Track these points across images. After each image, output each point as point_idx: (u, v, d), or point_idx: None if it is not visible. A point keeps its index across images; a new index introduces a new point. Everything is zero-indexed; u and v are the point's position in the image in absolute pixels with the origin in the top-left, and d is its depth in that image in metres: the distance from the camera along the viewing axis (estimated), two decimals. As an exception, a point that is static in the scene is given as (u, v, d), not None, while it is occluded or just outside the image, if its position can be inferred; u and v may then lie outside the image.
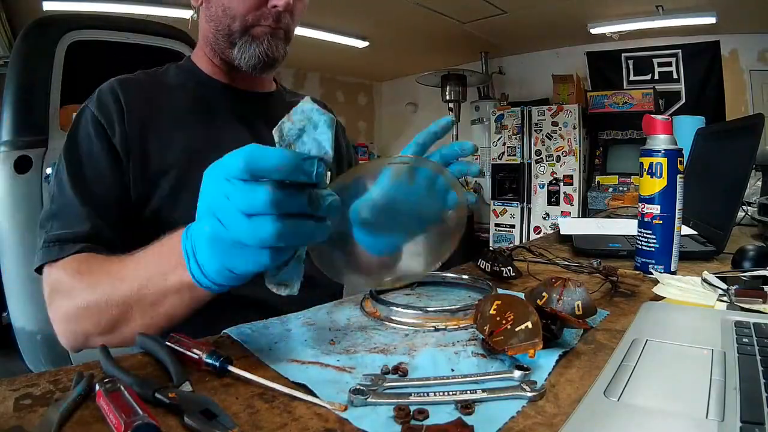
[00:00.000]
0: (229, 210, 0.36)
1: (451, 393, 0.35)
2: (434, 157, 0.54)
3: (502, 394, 0.35)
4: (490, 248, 0.71)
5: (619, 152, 4.04)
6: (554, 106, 3.95)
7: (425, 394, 0.34)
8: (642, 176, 0.71)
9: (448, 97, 4.19)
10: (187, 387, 0.35)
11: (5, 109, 1.16)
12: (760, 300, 0.54)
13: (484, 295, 0.55)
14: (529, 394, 0.34)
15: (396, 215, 0.54)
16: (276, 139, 0.39)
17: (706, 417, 0.30)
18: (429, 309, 0.51)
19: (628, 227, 0.98)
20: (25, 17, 2.38)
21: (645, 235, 0.71)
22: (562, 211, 3.93)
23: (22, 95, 1.17)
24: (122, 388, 0.32)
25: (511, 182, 4.17)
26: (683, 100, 3.90)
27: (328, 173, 0.39)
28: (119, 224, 0.62)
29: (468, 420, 0.31)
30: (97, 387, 0.33)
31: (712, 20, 3.30)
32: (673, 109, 3.86)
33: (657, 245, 0.70)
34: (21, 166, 1.13)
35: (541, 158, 4.00)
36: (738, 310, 0.53)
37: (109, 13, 2.68)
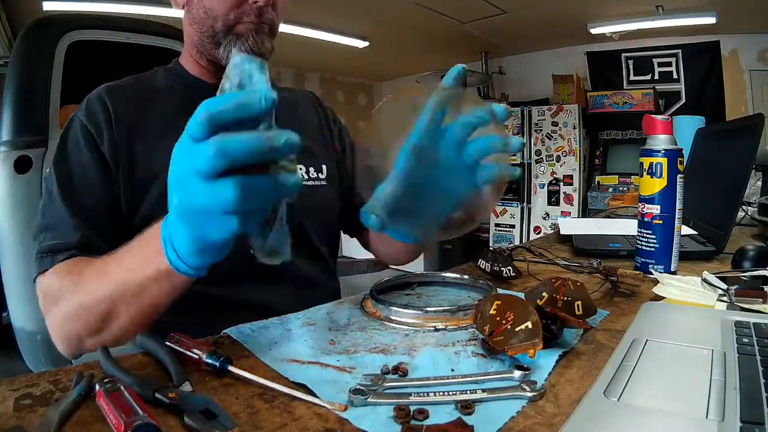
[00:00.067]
0: (188, 176, 0.35)
1: (451, 393, 0.35)
2: (452, 128, 0.47)
3: (502, 394, 0.35)
4: (490, 248, 0.71)
5: (619, 152, 4.04)
6: (554, 106, 3.95)
7: (425, 394, 0.34)
8: (642, 176, 0.71)
9: (448, 97, 4.18)
10: (187, 387, 0.35)
11: (5, 109, 1.16)
12: (760, 300, 0.54)
13: (484, 295, 0.55)
14: (529, 394, 0.34)
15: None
16: (219, 93, 0.40)
17: (706, 417, 0.30)
18: (429, 309, 0.51)
19: (628, 227, 0.98)
20: (25, 17, 2.38)
21: (645, 235, 0.71)
22: (562, 211, 3.93)
23: (22, 95, 1.17)
24: (122, 388, 0.32)
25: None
26: (683, 100, 3.90)
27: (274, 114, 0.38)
28: (110, 233, 0.63)
29: (468, 420, 0.31)
30: (97, 387, 0.33)
31: (712, 20, 3.30)
32: (673, 109, 3.86)
33: (657, 245, 0.70)
34: (21, 166, 1.13)
35: (541, 158, 4.00)
36: (738, 310, 0.53)
37: (109, 13, 2.68)
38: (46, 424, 0.31)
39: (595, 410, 0.32)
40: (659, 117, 0.70)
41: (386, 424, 0.32)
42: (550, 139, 3.95)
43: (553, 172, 3.97)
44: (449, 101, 0.46)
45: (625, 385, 0.35)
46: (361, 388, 0.35)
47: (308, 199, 0.71)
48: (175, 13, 0.75)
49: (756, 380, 0.34)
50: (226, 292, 0.65)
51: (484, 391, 0.35)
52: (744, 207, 1.16)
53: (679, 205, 0.68)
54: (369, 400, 0.34)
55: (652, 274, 0.69)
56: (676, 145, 0.69)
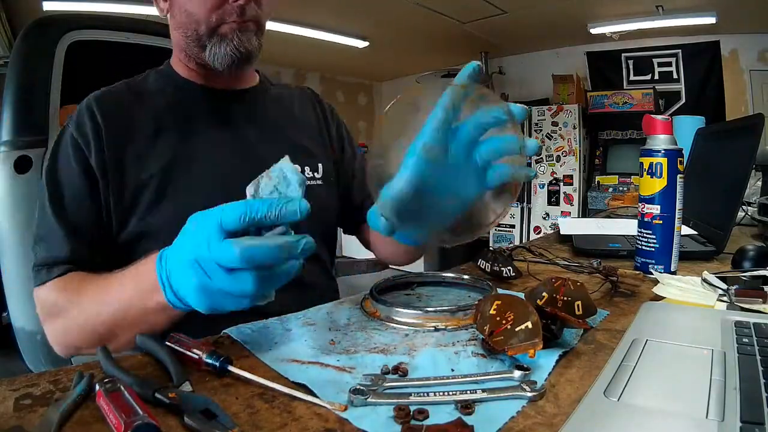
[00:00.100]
0: (213, 266, 0.40)
1: (451, 393, 0.35)
2: (465, 127, 0.45)
3: (502, 394, 0.35)
4: (490, 248, 0.71)
5: (619, 152, 4.04)
6: (554, 106, 3.95)
7: (425, 394, 0.34)
8: (642, 176, 0.71)
9: (448, 97, 4.18)
10: (187, 387, 0.35)
11: (5, 109, 1.16)
12: (760, 300, 0.54)
13: (484, 295, 0.55)
14: (529, 394, 0.34)
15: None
16: (250, 192, 0.44)
17: (706, 417, 0.30)
18: (429, 309, 0.51)
19: (628, 227, 0.98)
20: (25, 17, 2.38)
21: (645, 235, 0.71)
22: (562, 211, 3.93)
23: (22, 95, 1.17)
24: (122, 388, 0.32)
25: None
26: (683, 100, 3.90)
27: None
28: (100, 246, 0.64)
29: (468, 420, 0.31)
30: (97, 387, 0.33)
31: (712, 20, 3.30)
32: (673, 109, 3.86)
33: (657, 245, 0.70)
34: (21, 166, 1.13)
35: (541, 158, 4.00)
36: (738, 310, 0.53)
37: (109, 13, 2.68)
38: (46, 424, 0.31)
39: (595, 410, 0.32)
40: (659, 117, 0.70)
41: (386, 424, 0.32)
42: (550, 139, 3.95)
43: (553, 172, 3.97)
44: (464, 99, 0.45)
45: (625, 385, 0.35)
46: (361, 388, 0.35)
47: None
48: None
49: (756, 380, 0.34)
50: None
51: (484, 391, 0.35)
52: (744, 207, 1.16)
53: (679, 205, 0.68)
54: (369, 400, 0.34)
55: (652, 274, 0.69)
56: (676, 145, 0.69)
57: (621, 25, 3.59)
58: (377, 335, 0.47)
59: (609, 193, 3.90)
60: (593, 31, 3.72)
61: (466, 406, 0.33)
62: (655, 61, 3.96)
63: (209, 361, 0.38)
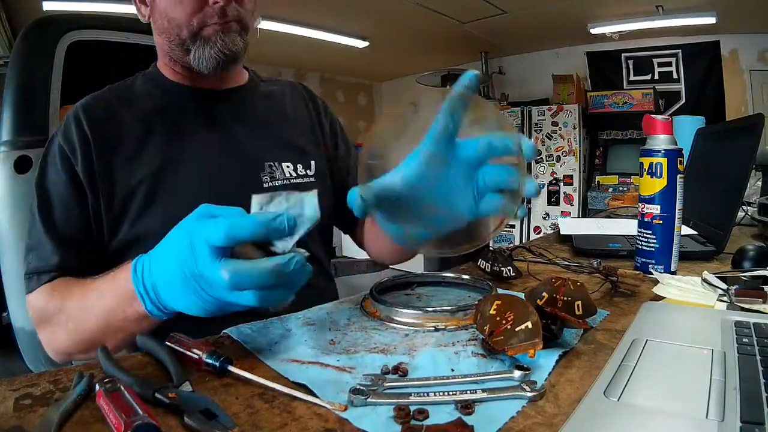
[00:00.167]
0: (206, 283, 0.40)
1: (451, 393, 0.35)
2: (474, 145, 0.46)
3: (502, 394, 0.35)
4: (490, 248, 0.71)
5: (619, 152, 4.04)
6: (554, 106, 3.95)
7: (425, 394, 0.34)
8: (642, 176, 0.71)
9: (448, 97, 4.18)
10: (187, 387, 0.35)
11: (5, 109, 1.16)
12: (760, 300, 0.54)
13: (484, 295, 0.55)
14: (529, 394, 0.34)
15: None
16: (258, 200, 0.44)
17: (706, 417, 0.30)
18: (429, 309, 0.51)
19: (628, 227, 0.98)
20: (25, 17, 2.38)
21: (645, 235, 0.71)
22: (562, 211, 3.93)
23: (22, 95, 1.17)
24: (122, 388, 0.32)
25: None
26: (683, 100, 3.90)
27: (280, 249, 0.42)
28: (89, 253, 0.65)
29: (468, 420, 0.31)
30: (97, 387, 0.33)
31: (712, 20, 3.30)
32: (673, 109, 3.86)
33: (657, 245, 0.70)
34: (21, 166, 1.13)
35: (541, 158, 4.00)
36: (738, 310, 0.53)
37: (109, 13, 2.68)
38: (46, 424, 0.31)
39: (595, 410, 0.32)
40: (659, 117, 0.70)
41: (386, 424, 0.32)
42: (550, 139, 3.95)
43: (553, 172, 3.97)
44: (464, 108, 0.45)
45: (625, 385, 0.35)
46: (361, 388, 0.35)
47: None
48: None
49: (756, 380, 0.34)
50: None
51: (484, 391, 0.35)
52: (744, 207, 1.16)
53: (679, 205, 0.68)
54: (369, 400, 0.34)
55: (652, 274, 0.69)
56: (676, 145, 0.69)
57: (621, 25, 3.59)
58: (377, 335, 0.47)
59: (609, 193, 3.90)
60: (593, 31, 3.72)
61: (466, 406, 0.33)
62: (655, 61, 3.96)
63: (209, 361, 0.38)
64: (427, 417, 0.32)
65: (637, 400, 0.33)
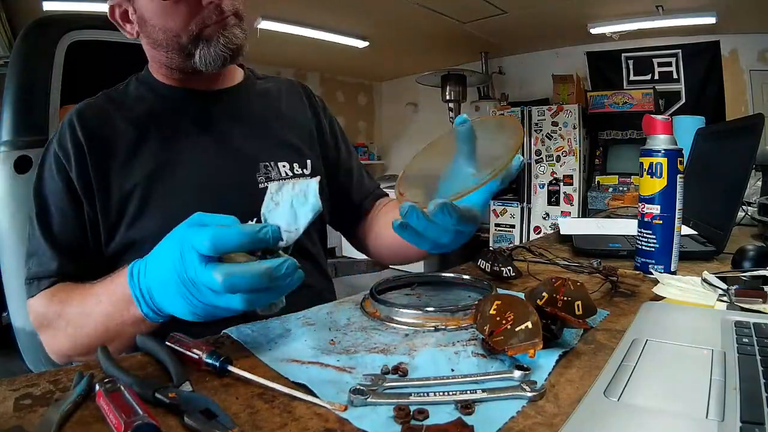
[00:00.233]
0: (199, 288, 0.41)
1: (451, 393, 0.35)
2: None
3: (502, 394, 0.35)
4: (490, 248, 0.71)
5: (619, 152, 4.04)
6: (554, 106, 3.95)
7: (425, 394, 0.34)
8: (642, 176, 0.71)
9: (448, 97, 4.18)
10: (187, 387, 0.35)
11: (5, 109, 1.16)
12: (760, 300, 0.54)
13: (484, 295, 0.55)
14: (529, 394, 0.34)
15: None
16: (272, 189, 0.46)
17: (706, 417, 0.30)
18: (429, 309, 0.51)
19: (628, 227, 0.98)
20: (25, 17, 2.38)
21: (645, 235, 0.71)
22: (562, 211, 3.93)
23: (22, 95, 1.17)
24: (122, 388, 0.32)
25: (511, 182, 4.16)
26: (683, 100, 3.90)
27: (284, 242, 0.45)
28: (87, 258, 0.65)
29: (468, 420, 0.31)
30: (97, 387, 0.33)
31: (712, 20, 3.30)
32: (673, 109, 3.86)
33: (657, 245, 0.70)
34: (21, 166, 1.13)
35: (541, 158, 4.00)
36: (738, 310, 0.53)
37: (109, 13, 2.67)
38: (46, 424, 0.31)
39: (595, 410, 0.32)
40: (659, 117, 0.70)
41: (386, 424, 0.32)
42: (550, 139, 3.95)
43: (553, 172, 3.97)
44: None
45: (625, 385, 0.35)
46: (361, 388, 0.35)
47: None
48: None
49: (756, 380, 0.34)
50: None
51: (484, 391, 0.35)
52: (744, 207, 1.16)
53: (679, 205, 0.68)
54: (369, 400, 0.34)
55: (652, 274, 0.69)
56: (676, 145, 0.69)
57: (621, 25, 3.58)
58: (377, 335, 0.47)
59: (609, 193, 3.89)
60: (593, 31, 3.72)
61: (466, 406, 0.33)
62: (655, 61, 3.95)
63: (209, 361, 0.38)
64: (427, 417, 0.32)
65: (637, 400, 0.33)
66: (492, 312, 0.43)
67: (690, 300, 0.58)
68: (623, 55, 4.06)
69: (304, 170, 0.76)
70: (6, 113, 1.17)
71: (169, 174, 0.66)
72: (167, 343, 0.41)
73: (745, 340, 0.41)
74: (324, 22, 3.61)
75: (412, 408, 0.33)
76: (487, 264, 0.68)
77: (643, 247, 0.71)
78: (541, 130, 3.98)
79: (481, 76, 4.39)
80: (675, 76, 3.91)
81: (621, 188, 3.88)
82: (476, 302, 0.47)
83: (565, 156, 3.91)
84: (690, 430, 0.30)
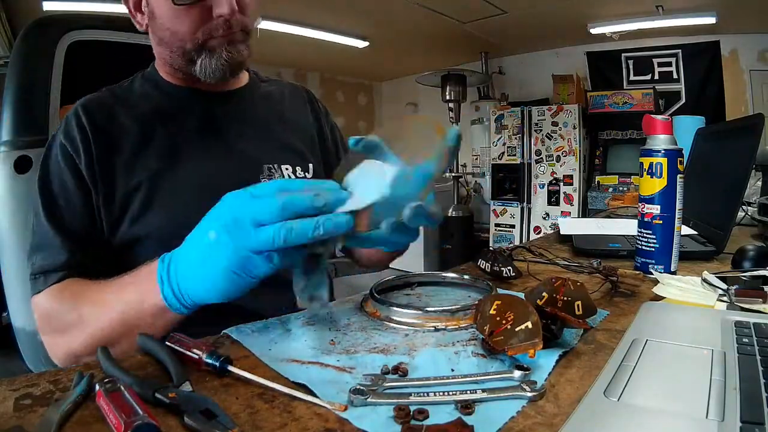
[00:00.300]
0: (248, 229, 0.41)
1: (451, 393, 0.35)
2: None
3: (502, 394, 0.35)
4: (490, 248, 0.71)
5: (619, 152, 4.04)
6: (554, 106, 3.95)
7: (425, 394, 0.34)
8: (642, 176, 0.71)
9: (448, 97, 4.18)
10: (187, 387, 0.35)
11: (5, 109, 1.16)
12: (760, 300, 0.54)
13: (484, 295, 0.55)
14: (529, 394, 0.34)
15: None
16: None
17: (706, 417, 0.30)
18: (429, 309, 0.51)
19: (628, 227, 0.98)
20: (25, 17, 2.38)
21: (645, 235, 0.71)
22: (562, 211, 3.93)
23: (22, 95, 1.17)
24: (122, 388, 0.32)
25: (511, 182, 4.17)
26: (683, 100, 3.90)
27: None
28: (96, 249, 0.64)
29: (468, 420, 0.31)
30: (97, 387, 0.33)
31: (712, 20, 3.30)
32: (673, 109, 3.86)
33: (657, 245, 0.70)
34: (21, 166, 1.13)
35: (541, 158, 4.00)
36: (738, 310, 0.53)
37: (109, 13, 2.68)
38: (46, 424, 0.30)
39: (595, 410, 0.32)
40: (659, 117, 0.70)
41: (386, 424, 0.32)
42: (550, 139, 3.95)
43: (553, 172, 3.97)
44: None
45: (625, 385, 0.35)
46: (361, 388, 0.35)
47: None
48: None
49: (756, 380, 0.34)
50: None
51: (484, 391, 0.35)
52: (744, 207, 1.16)
53: (679, 205, 0.68)
54: (369, 400, 0.34)
55: (652, 274, 0.69)
56: (676, 145, 0.69)
57: (621, 25, 3.59)
58: (377, 335, 0.47)
59: (609, 193, 3.89)
60: (593, 31, 3.72)
61: (466, 406, 0.33)
62: (655, 61, 3.96)
63: (209, 361, 0.38)
64: (427, 417, 0.32)
65: (637, 400, 0.33)
66: (492, 312, 0.43)
67: (690, 300, 0.58)
68: (623, 55, 4.06)
69: (307, 174, 0.76)
70: (6, 113, 1.17)
71: (172, 173, 0.66)
72: (167, 343, 0.41)
73: (745, 340, 0.41)
74: (324, 22, 3.61)
75: (412, 408, 0.33)
76: (487, 264, 0.68)
77: (643, 247, 0.71)
78: (541, 130, 3.98)
79: (481, 76, 4.39)
80: (675, 76, 3.91)
81: (621, 188, 3.88)
82: (476, 302, 0.47)
83: (565, 156, 3.91)
84: (690, 430, 0.30)
